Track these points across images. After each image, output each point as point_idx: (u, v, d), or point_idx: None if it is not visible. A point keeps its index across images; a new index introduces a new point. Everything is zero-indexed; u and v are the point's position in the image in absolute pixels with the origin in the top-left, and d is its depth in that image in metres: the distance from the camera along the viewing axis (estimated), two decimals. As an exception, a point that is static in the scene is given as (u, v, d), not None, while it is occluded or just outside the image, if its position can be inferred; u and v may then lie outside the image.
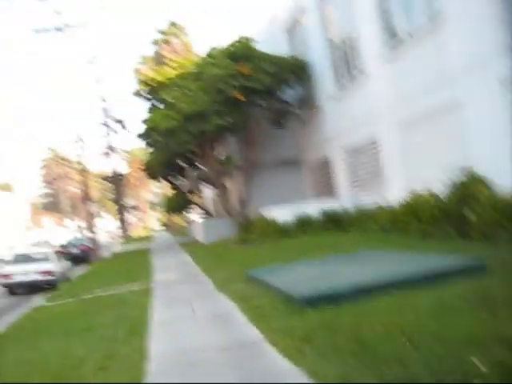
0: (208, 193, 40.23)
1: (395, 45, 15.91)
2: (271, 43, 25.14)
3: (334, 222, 19.18)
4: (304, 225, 19.49)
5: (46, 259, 18.41)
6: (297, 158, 25.59)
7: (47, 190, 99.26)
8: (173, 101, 21.77)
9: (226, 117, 21.57)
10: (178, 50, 41.67)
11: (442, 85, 13.52)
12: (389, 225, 15.07)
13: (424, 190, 13.89)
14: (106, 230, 38.05)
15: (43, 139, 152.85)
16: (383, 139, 17.23)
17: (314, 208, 20.07)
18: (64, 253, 27.87)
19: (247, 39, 22.53)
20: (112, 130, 45.06)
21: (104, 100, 42.88)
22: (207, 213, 37.34)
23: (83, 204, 26.50)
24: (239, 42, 22.39)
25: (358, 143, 19.15)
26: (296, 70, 22.28)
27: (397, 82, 15.98)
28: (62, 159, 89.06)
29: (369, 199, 18.61)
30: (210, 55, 22.63)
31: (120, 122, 42.53)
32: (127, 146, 72.46)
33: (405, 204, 14.48)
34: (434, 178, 14.26)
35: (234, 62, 21.41)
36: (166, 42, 42.58)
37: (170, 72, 23.91)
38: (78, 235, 47.93)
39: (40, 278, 17.50)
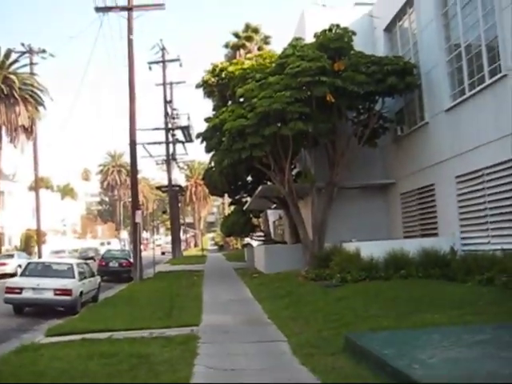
0: (270, 214, 36.09)
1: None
2: (363, 39, 20.43)
3: (439, 265, 14.81)
4: (397, 265, 15.07)
5: (66, 274, 14.08)
6: (386, 183, 21.06)
7: (104, 198, 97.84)
8: (246, 95, 17.62)
9: (309, 122, 17.29)
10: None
11: None
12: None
13: None
14: (157, 244, 34.33)
15: (102, 143, 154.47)
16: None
17: (410, 245, 15.58)
18: (101, 266, 24.24)
19: (342, 29, 18.14)
20: (174, 138, 41.48)
21: (170, 103, 39.41)
22: (267, 237, 33.16)
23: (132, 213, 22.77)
24: (331, 30, 18.07)
25: (481, 168, 14.53)
26: (401, 74, 17.71)
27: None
28: (120, 166, 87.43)
29: (491, 241, 14.19)
30: (294, 46, 18.37)
31: (184, 128, 38.86)
32: (188, 158, 68.80)
33: None
34: None
35: (325, 54, 17.24)
36: (241, 46, 39.01)
37: (246, 63, 19.76)
38: (126, 247, 44.71)
39: (53, 297, 13.26)
